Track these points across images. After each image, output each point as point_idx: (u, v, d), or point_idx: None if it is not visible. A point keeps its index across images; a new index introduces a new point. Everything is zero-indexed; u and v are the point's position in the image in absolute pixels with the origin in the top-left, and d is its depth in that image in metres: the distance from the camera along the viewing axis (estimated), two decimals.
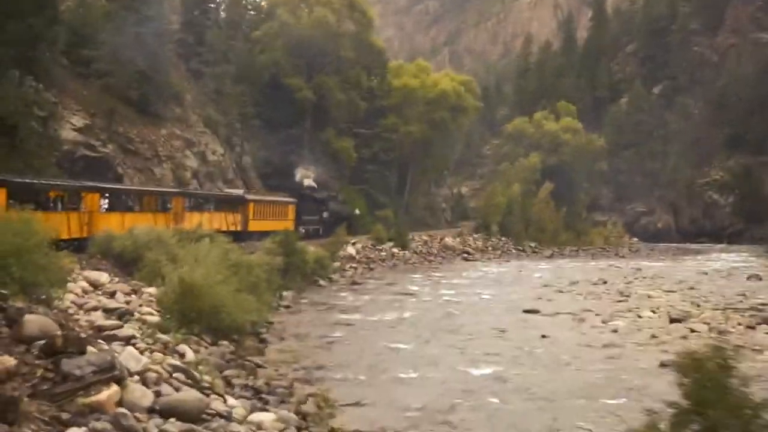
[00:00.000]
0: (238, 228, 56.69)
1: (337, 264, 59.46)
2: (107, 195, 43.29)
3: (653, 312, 40.34)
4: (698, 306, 42.91)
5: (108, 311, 26.09)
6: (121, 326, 21.14)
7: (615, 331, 34.91)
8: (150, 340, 21.56)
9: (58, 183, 40.69)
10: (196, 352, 23.78)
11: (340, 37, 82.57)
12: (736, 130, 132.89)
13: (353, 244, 68.87)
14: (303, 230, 65.83)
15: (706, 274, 66.46)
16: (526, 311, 41.22)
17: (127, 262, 37.22)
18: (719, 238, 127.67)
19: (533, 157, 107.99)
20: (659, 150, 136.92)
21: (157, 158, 58.50)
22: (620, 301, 45.62)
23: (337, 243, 63.44)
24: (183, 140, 63.20)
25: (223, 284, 30.00)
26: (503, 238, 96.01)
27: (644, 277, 61.79)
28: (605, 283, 56.72)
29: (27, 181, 36.95)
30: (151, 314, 27.23)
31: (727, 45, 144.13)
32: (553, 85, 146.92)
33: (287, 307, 41.27)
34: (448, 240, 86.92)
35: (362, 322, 37.35)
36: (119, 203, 44.61)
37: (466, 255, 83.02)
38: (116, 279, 33.64)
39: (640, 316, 39.24)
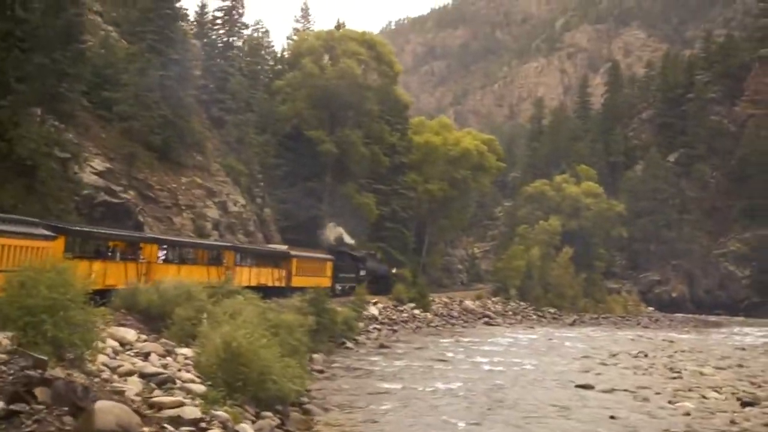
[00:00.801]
0: (282, 283, 56.08)
1: (360, 324, 56.52)
2: (165, 246, 43.16)
3: (717, 392, 37.32)
4: (759, 387, 39.97)
5: (145, 377, 23.06)
6: (182, 404, 17.93)
7: (687, 414, 31.80)
8: (207, 418, 18.42)
9: (118, 233, 40.89)
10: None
11: (365, 89, 79.98)
12: (754, 201, 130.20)
13: (374, 304, 65.91)
14: (339, 287, 64.92)
15: (744, 350, 63.30)
16: (580, 386, 38.10)
17: (153, 318, 34.22)
18: (735, 310, 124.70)
19: (553, 220, 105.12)
20: (675, 218, 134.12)
21: (177, 207, 55.63)
22: (674, 378, 42.65)
23: (361, 303, 60.56)
24: (204, 189, 60.40)
25: (267, 348, 27.10)
26: (522, 303, 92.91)
27: (682, 351, 58.66)
28: (646, 356, 53.73)
29: (86, 229, 37.19)
30: (193, 381, 24.15)
31: (746, 115, 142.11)
32: (566, 148, 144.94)
33: (320, 371, 38.20)
34: (468, 303, 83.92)
35: (405, 392, 34.32)
36: (175, 255, 44.26)
37: (487, 319, 79.93)
38: (143, 336, 30.61)
39: (705, 397, 36.22)
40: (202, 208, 58.33)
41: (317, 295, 45.83)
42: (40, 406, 12.58)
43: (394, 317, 66.74)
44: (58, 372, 16.76)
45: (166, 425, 16.45)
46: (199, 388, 23.00)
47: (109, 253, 37.82)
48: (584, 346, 60.08)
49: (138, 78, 52.20)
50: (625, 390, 37.59)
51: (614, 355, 53.42)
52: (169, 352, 28.06)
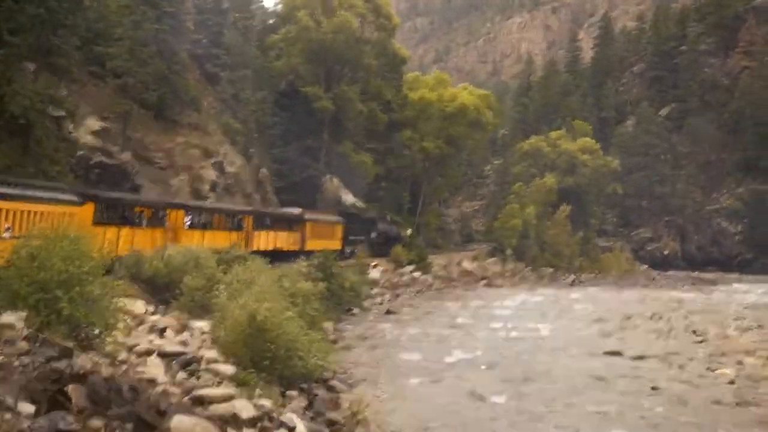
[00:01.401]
0: (297, 247, 55.53)
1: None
2: (190, 212, 43.45)
3: (752, 357, 35.80)
4: None
5: (166, 356, 20.97)
6: (231, 397, 15.77)
7: (731, 382, 30.09)
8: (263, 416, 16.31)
9: (145, 199, 41.80)
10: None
11: (362, 43, 77.11)
12: (748, 155, 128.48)
13: (374, 266, 63.84)
14: (349, 250, 63.90)
15: (755, 309, 61.66)
16: (608, 353, 36.30)
17: (159, 287, 32.13)
18: (728, 266, 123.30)
19: (550, 177, 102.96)
20: (667, 174, 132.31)
21: (172, 168, 53.14)
22: (700, 342, 41.00)
23: (363, 266, 58.51)
24: (200, 149, 57.84)
25: (291, 320, 25.08)
26: (519, 263, 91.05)
27: (694, 312, 56.80)
28: (661, 318, 52.02)
29: (114, 196, 37.46)
30: (217, 360, 22.05)
31: (740, 67, 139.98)
32: (557, 104, 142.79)
33: (334, 342, 36.01)
34: (466, 264, 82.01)
35: (428, 364, 32.63)
36: (199, 221, 44.39)
37: (487, 281, 78.13)
38: (150, 308, 28.51)
39: (741, 363, 34.58)
40: (198, 169, 55.87)
41: (325, 259, 43.61)
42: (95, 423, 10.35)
43: (395, 281, 64.86)
44: (84, 361, 14.66)
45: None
46: (227, 369, 20.97)
47: (137, 220, 37.70)
48: (594, 308, 58.30)
49: (132, 32, 49.47)
50: (656, 356, 35.95)
51: (629, 318, 51.65)
52: (184, 327, 25.98)
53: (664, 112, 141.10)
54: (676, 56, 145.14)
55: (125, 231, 35.51)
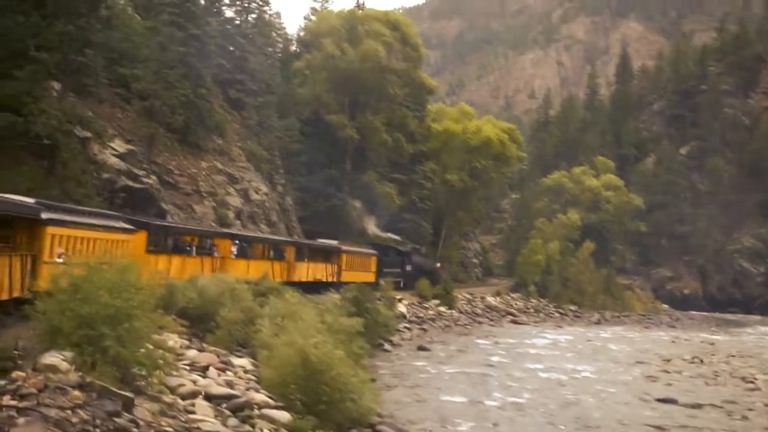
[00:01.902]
0: (333, 279, 55.35)
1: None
2: (237, 242, 43.77)
3: None
4: None
5: (214, 399, 19.05)
6: None
7: None
8: None
9: (194, 228, 43.08)
10: None
11: (388, 72, 75.38)
12: None
13: (399, 300, 61.89)
14: (383, 282, 61.80)
15: None
16: (661, 400, 34.21)
17: (191, 319, 30.11)
18: (749, 308, 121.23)
19: (573, 213, 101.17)
20: (688, 213, 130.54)
21: (197, 194, 51.33)
22: (752, 390, 38.94)
23: (390, 300, 56.48)
24: (225, 175, 56.10)
25: (343, 360, 23.25)
26: (542, 299, 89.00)
27: (732, 356, 54.68)
28: (702, 361, 49.91)
29: (166, 224, 37.95)
30: (269, 405, 20.12)
31: (761, 108, 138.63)
32: (575, 140, 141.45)
33: (372, 380, 33.93)
34: (490, 299, 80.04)
35: (474, 407, 30.93)
36: (244, 250, 44.38)
37: (512, 317, 76.08)
38: (184, 342, 26.57)
39: None
40: (224, 195, 54.04)
41: (360, 292, 41.69)
42: None
43: (421, 315, 62.89)
44: (144, 414, 12.81)
45: None
46: (282, 415, 19.07)
47: (188, 248, 37.90)
48: (629, 349, 56.55)
49: (159, 53, 47.84)
50: (712, 404, 33.93)
51: (668, 361, 49.73)
52: (226, 365, 23.97)
53: (684, 150, 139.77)
54: (696, 95, 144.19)
55: (176, 260, 35.38)
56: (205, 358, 23.78)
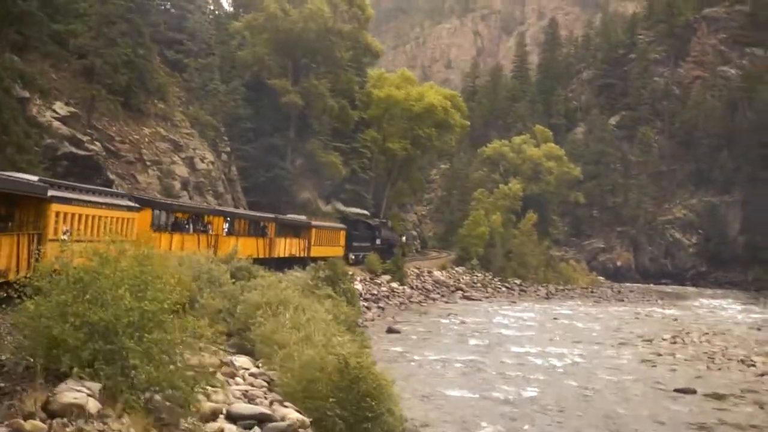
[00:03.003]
0: (304, 254, 54.57)
1: None
2: (228, 219, 43.44)
3: None
4: None
5: (240, 421, 14.96)
6: None
7: None
8: None
9: (191, 205, 43.35)
10: None
11: (334, 34, 70.56)
12: (701, 166, 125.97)
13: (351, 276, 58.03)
14: (353, 256, 63.70)
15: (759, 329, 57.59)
16: (679, 390, 31.18)
17: None
18: (681, 279, 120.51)
19: (515, 184, 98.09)
20: (620, 183, 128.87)
21: (141, 162, 46.53)
22: (761, 375, 36.01)
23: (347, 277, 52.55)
24: (169, 142, 51.30)
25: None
26: (486, 273, 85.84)
27: (706, 333, 52.40)
28: (683, 341, 47.71)
29: (168, 201, 38.61)
30: (305, 425, 16.11)
31: (692, 77, 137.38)
32: (505, 110, 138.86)
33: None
34: (437, 274, 76.64)
35: (485, 403, 27.86)
36: (233, 227, 43.89)
37: (461, 292, 72.97)
38: None
39: None
40: (169, 164, 49.35)
41: (334, 272, 37.62)
42: None
43: (374, 292, 59.49)
44: None
45: None
46: None
47: (186, 226, 37.35)
48: (600, 327, 54.69)
49: (99, 6, 42.66)
50: (732, 394, 31.44)
51: (650, 341, 47.63)
52: (226, 365, 19.72)
53: (614, 120, 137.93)
54: (625, 64, 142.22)
55: (177, 237, 34.86)
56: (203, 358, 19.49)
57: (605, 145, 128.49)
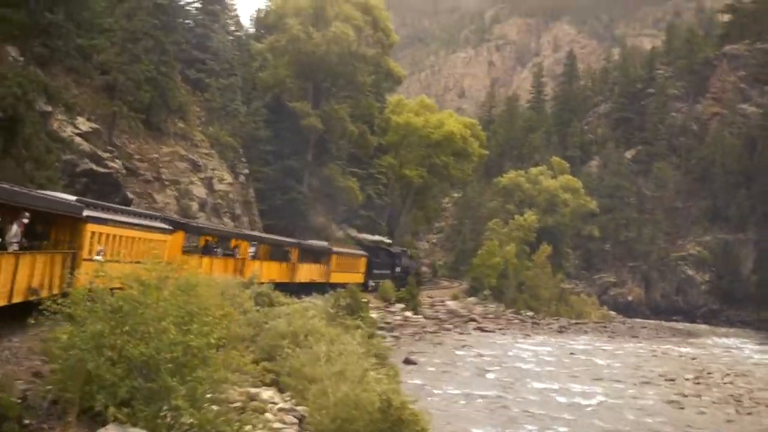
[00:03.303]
0: (324, 279, 55.23)
1: None
2: (254, 243, 43.49)
3: None
4: None
5: None
6: None
7: None
8: None
9: (220, 229, 43.39)
10: None
11: (357, 58, 69.77)
12: (716, 203, 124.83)
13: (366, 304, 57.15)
14: (372, 283, 64.09)
15: None
16: None
17: None
18: (692, 316, 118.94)
19: (530, 215, 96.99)
20: (633, 218, 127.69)
21: (159, 182, 45.82)
22: None
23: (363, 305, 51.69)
24: (188, 162, 50.52)
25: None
26: (498, 304, 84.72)
27: (727, 374, 51.32)
28: (705, 382, 46.66)
29: (199, 224, 38.78)
30: None
31: (710, 114, 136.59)
32: (520, 140, 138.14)
33: None
34: (450, 303, 75.69)
35: None
36: (257, 251, 43.83)
37: (475, 323, 71.78)
38: None
39: None
40: (187, 184, 48.59)
41: (354, 300, 36.79)
42: None
43: (389, 321, 58.37)
44: None
45: None
46: None
47: (215, 249, 37.54)
48: (619, 365, 53.32)
49: (125, 22, 41.99)
50: None
51: (672, 380, 46.55)
52: (257, 400, 18.81)
53: (629, 154, 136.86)
54: (643, 98, 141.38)
55: (206, 261, 34.69)
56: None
57: (620, 179, 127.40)
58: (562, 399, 36.54)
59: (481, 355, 50.79)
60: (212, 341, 11.33)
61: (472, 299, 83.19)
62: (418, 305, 66.07)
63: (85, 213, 23.08)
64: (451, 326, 67.45)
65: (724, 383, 46.51)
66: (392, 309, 62.56)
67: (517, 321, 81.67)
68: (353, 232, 72.13)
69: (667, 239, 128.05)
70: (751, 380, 48.87)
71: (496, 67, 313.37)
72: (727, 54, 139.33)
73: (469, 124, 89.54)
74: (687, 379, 46.97)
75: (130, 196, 39.91)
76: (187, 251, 32.55)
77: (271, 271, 42.53)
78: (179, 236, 32.19)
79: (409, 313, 63.44)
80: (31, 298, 18.32)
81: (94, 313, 11.30)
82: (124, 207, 29.85)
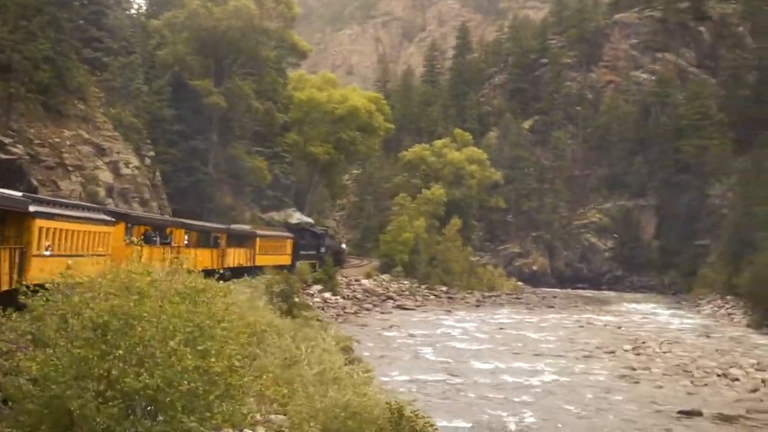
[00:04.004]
0: (249, 263, 54.13)
1: None
2: (187, 231, 42.77)
3: None
4: None
5: None
6: None
7: None
8: None
9: (155, 218, 43.10)
10: None
11: (260, 33, 66.39)
12: (615, 170, 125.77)
13: None
14: (299, 265, 61.98)
15: (708, 337, 56.09)
16: (683, 413, 28.72)
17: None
18: (597, 283, 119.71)
19: (437, 189, 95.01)
20: (534, 188, 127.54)
21: (62, 167, 42.11)
22: (753, 391, 34.28)
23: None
24: (92, 146, 46.77)
25: None
26: (412, 280, 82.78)
27: (662, 342, 50.64)
28: (644, 351, 45.81)
29: (138, 215, 39.11)
30: None
31: (604, 82, 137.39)
32: (418, 114, 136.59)
33: None
34: (365, 282, 73.42)
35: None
36: (191, 239, 43.19)
37: (392, 301, 70.08)
38: None
39: None
40: (92, 169, 44.96)
41: (288, 286, 34.18)
42: None
43: (309, 303, 55.54)
44: None
45: None
46: None
47: (154, 238, 36.75)
48: (552, 338, 52.78)
49: None
50: (740, 416, 29.67)
51: (612, 352, 45.73)
52: None
53: (526, 124, 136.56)
54: (537, 69, 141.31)
55: (146, 251, 32.73)
56: None
57: (519, 150, 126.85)
58: (511, 379, 35.15)
59: (412, 335, 49.27)
60: (237, 364, 8.63)
61: (385, 276, 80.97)
62: (336, 286, 63.62)
63: (32, 208, 22.61)
64: (370, 306, 65.60)
65: (664, 353, 45.79)
66: (310, 291, 59.95)
67: (432, 297, 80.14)
68: (259, 212, 69.17)
69: (569, 208, 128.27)
70: (686, 348, 48.55)
71: (383, 44, 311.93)
72: (618, 22, 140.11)
73: (374, 98, 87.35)
74: (626, 350, 46.20)
75: (35, 183, 36.29)
76: (129, 242, 30.76)
77: (203, 258, 41.22)
78: (121, 227, 32.10)
79: (327, 294, 61.19)
80: None
81: (70, 333, 8.43)
82: (66, 200, 29.47)
